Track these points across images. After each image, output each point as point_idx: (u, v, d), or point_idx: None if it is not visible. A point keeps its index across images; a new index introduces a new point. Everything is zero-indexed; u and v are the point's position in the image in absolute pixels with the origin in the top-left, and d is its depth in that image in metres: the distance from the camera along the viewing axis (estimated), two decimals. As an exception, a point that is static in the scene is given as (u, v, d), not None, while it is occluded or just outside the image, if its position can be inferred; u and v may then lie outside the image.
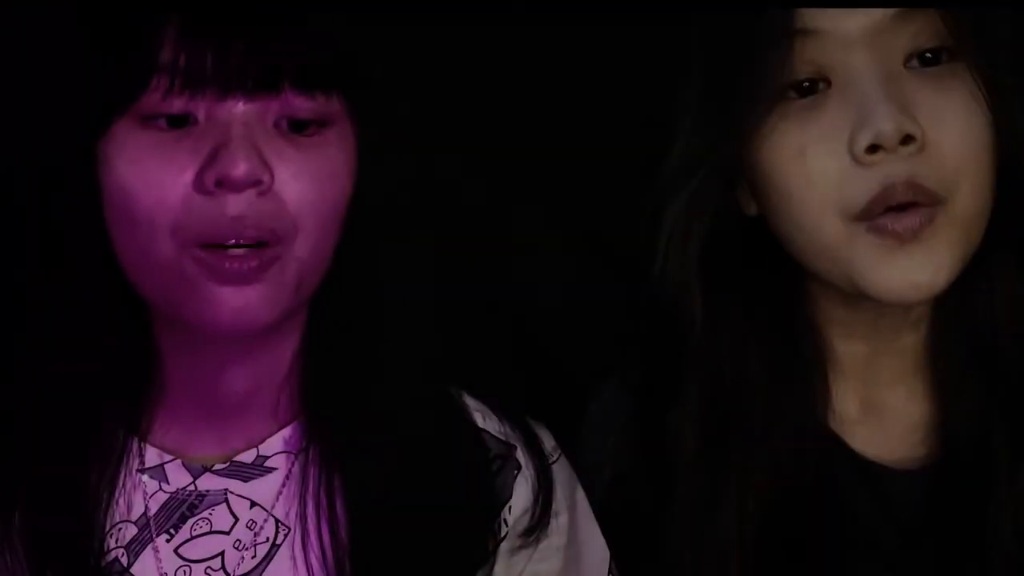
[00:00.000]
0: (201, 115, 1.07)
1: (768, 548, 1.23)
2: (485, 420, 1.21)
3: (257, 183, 1.06)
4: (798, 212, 1.19)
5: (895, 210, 1.15)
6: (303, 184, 1.08)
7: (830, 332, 1.26)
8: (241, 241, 1.07)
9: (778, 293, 1.26)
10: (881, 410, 1.27)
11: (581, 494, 1.24)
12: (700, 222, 1.23)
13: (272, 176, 1.07)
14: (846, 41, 1.16)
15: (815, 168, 1.17)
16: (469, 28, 1.48)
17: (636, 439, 1.28)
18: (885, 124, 1.14)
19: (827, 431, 1.26)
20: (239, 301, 1.07)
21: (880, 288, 1.17)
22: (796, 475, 1.23)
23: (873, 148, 1.14)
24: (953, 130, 1.16)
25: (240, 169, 1.05)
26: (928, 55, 1.17)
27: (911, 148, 1.14)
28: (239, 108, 1.07)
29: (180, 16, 1.06)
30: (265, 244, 1.07)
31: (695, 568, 1.23)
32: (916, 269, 1.16)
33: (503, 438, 1.21)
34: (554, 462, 1.22)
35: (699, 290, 1.24)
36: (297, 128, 1.09)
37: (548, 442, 1.23)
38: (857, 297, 1.20)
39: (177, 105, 1.06)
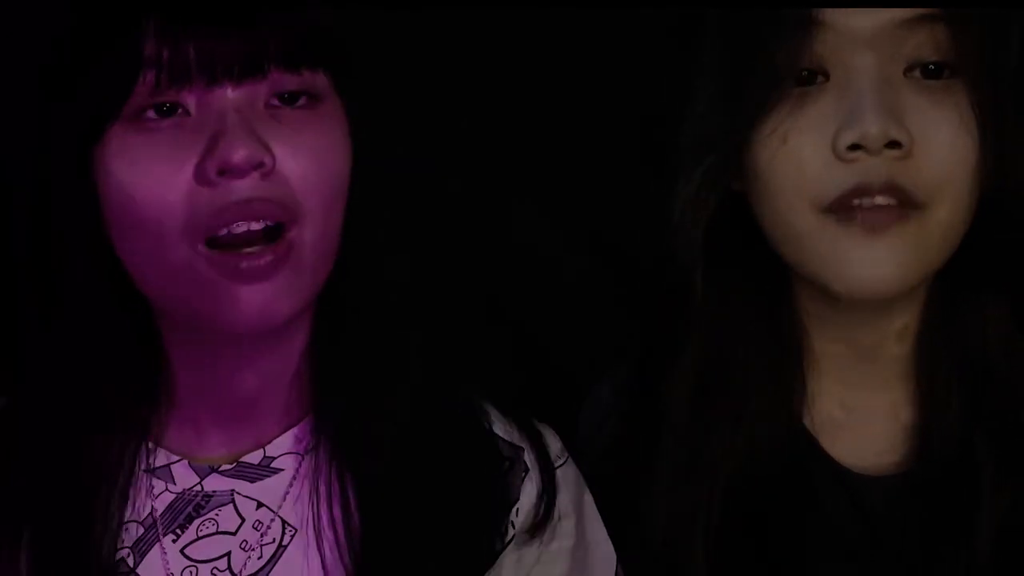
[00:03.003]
0: (192, 106, 1.07)
1: (733, 532, 1.24)
2: (493, 422, 1.21)
3: (260, 165, 1.06)
4: (772, 196, 1.20)
5: (868, 208, 1.16)
6: (303, 160, 1.08)
7: (811, 330, 1.27)
8: (252, 225, 1.06)
9: (766, 282, 1.27)
10: (859, 414, 1.28)
11: (588, 496, 1.24)
12: (708, 204, 1.24)
13: (273, 157, 1.07)
14: (853, 38, 1.16)
15: (794, 156, 1.18)
16: (467, 18, 1.47)
17: (628, 408, 1.29)
18: (871, 127, 1.15)
19: (800, 428, 1.27)
20: (259, 298, 1.07)
21: (841, 279, 1.18)
22: (765, 465, 1.24)
23: (855, 147, 1.15)
24: (942, 143, 1.17)
25: (240, 154, 1.05)
26: (931, 67, 1.18)
27: (895, 152, 1.15)
28: (229, 95, 1.07)
29: (158, 10, 1.06)
30: (278, 230, 1.07)
31: (666, 536, 1.24)
32: (878, 262, 1.17)
33: (511, 440, 1.21)
34: (561, 465, 1.22)
35: (703, 269, 1.25)
36: (289, 101, 1.09)
37: (555, 445, 1.23)
38: (833, 296, 1.21)
39: (167, 98, 1.06)
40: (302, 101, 1.09)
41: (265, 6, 1.07)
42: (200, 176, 1.06)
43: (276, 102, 1.09)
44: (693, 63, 1.25)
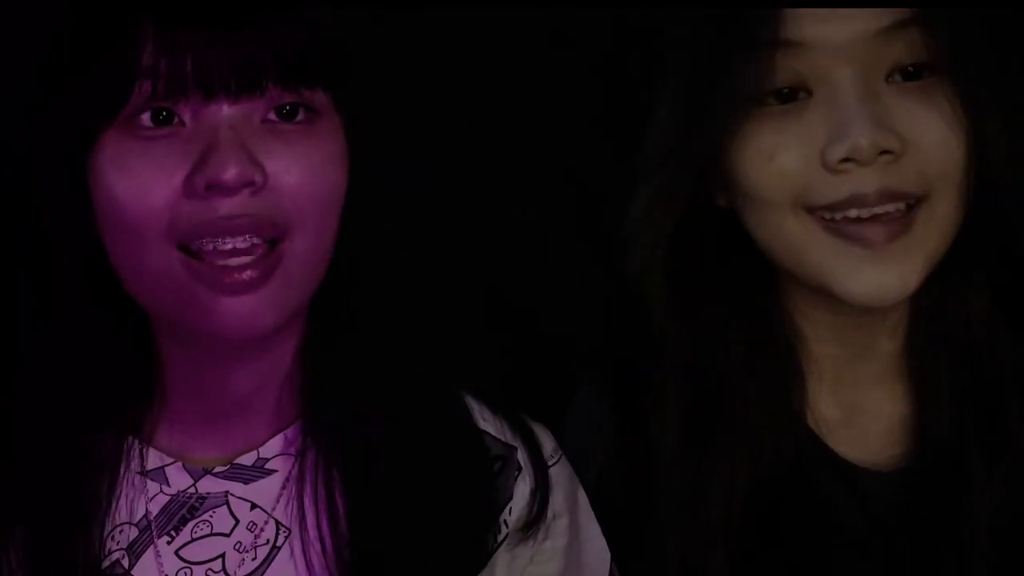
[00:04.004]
0: (187, 118, 1.07)
1: (749, 542, 1.24)
2: (485, 421, 1.21)
3: (250, 184, 1.06)
4: (762, 209, 1.20)
5: (865, 219, 1.16)
6: (297, 178, 1.08)
7: (805, 332, 1.27)
8: (238, 243, 1.06)
9: (755, 290, 1.27)
10: (859, 412, 1.28)
11: (582, 495, 1.24)
12: (666, 217, 1.23)
13: (265, 174, 1.06)
14: (830, 53, 1.16)
15: (783, 169, 1.18)
16: (457, 16, 1.47)
17: (616, 437, 1.29)
18: (861, 139, 1.15)
19: (805, 430, 1.27)
20: (241, 309, 1.07)
21: (849, 293, 1.18)
22: (774, 472, 1.24)
23: (847, 159, 1.15)
24: (933, 141, 1.17)
25: (230, 173, 1.05)
26: (910, 70, 1.18)
27: (887, 158, 1.15)
28: (224, 110, 1.06)
29: (156, 20, 1.05)
30: (268, 244, 1.07)
31: (681, 561, 1.24)
32: (887, 275, 1.17)
33: (503, 439, 1.21)
34: (554, 464, 1.22)
35: (662, 285, 1.25)
36: (287, 117, 1.08)
37: (549, 444, 1.23)
38: (827, 299, 1.21)
39: (163, 106, 1.06)
40: (300, 116, 1.09)
41: (265, 20, 1.07)
42: (188, 189, 1.06)
43: (273, 117, 1.08)
44: (657, 76, 1.25)
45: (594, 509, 1.25)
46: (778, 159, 1.18)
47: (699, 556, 1.23)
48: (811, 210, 1.18)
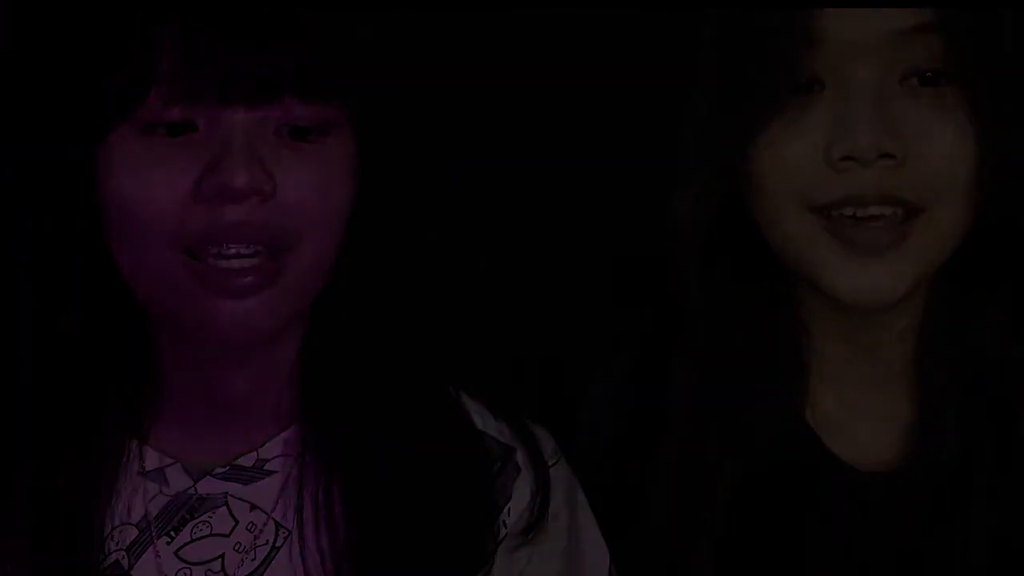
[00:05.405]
0: (201, 123, 1.07)
1: (737, 530, 1.24)
2: (484, 422, 1.21)
3: (259, 192, 1.06)
4: (764, 199, 1.20)
5: (864, 220, 1.17)
6: (305, 191, 1.08)
7: (812, 328, 1.27)
8: (242, 249, 1.07)
9: (768, 280, 1.27)
10: (860, 413, 1.28)
11: (582, 497, 1.24)
12: (706, 213, 1.23)
13: (274, 184, 1.07)
14: (849, 50, 1.16)
15: (786, 160, 1.18)
16: (471, 32, 1.48)
17: (628, 406, 1.29)
18: (864, 139, 1.14)
19: (802, 424, 1.27)
20: (240, 313, 1.07)
21: (837, 290, 1.19)
22: (768, 462, 1.25)
23: (847, 158, 1.15)
24: (939, 150, 1.16)
25: (241, 179, 1.05)
26: (927, 75, 1.17)
27: (889, 162, 1.15)
28: (239, 117, 1.06)
29: (178, 25, 1.05)
30: (271, 252, 1.07)
31: (668, 536, 1.24)
32: (877, 279, 1.18)
33: (503, 440, 1.21)
34: (554, 465, 1.22)
35: (699, 276, 1.25)
36: (298, 135, 1.08)
37: (548, 445, 1.23)
38: (830, 296, 1.21)
39: (176, 113, 1.06)
40: (312, 136, 1.09)
41: (285, 31, 1.06)
42: (197, 193, 1.06)
43: (286, 133, 1.08)
44: (692, 68, 1.25)
45: (592, 507, 1.25)
46: (784, 150, 1.18)
47: (682, 543, 1.24)
48: (811, 205, 1.18)
